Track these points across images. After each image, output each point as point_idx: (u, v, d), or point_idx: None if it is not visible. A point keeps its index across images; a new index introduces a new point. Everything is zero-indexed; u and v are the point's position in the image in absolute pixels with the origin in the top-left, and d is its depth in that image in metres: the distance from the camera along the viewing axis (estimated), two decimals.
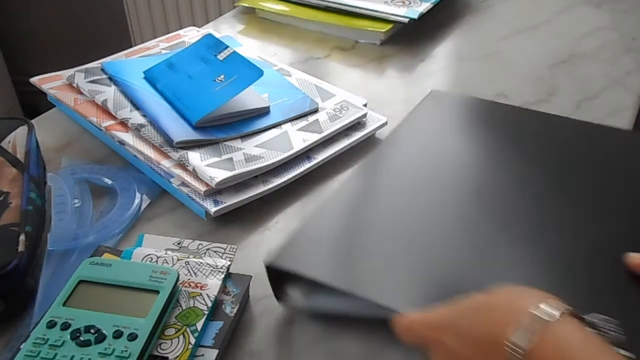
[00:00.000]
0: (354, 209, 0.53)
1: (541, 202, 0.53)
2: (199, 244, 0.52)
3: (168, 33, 0.85)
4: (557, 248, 0.49)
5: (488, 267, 0.47)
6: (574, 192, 0.54)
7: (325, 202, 0.55)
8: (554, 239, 0.49)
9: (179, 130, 0.61)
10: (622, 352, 0.33)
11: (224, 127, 0.64)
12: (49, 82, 0.71)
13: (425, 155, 0.60)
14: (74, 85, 0.69)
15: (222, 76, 0.67)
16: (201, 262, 0.49)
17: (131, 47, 0.80)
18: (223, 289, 0.48)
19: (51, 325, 0.42)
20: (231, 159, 0.59)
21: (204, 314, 0.45)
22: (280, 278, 0.48)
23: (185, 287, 0.47)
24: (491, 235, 0.50)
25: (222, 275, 0.48)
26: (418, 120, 0.66)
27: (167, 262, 0.49)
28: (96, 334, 0.41)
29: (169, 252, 0.50)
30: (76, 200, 0.58)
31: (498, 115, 0.67)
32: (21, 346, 0.41)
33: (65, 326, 0.42)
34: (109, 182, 0.61)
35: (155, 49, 0.79)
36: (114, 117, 0.65)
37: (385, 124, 0.68)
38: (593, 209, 0.52)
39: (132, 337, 0.41)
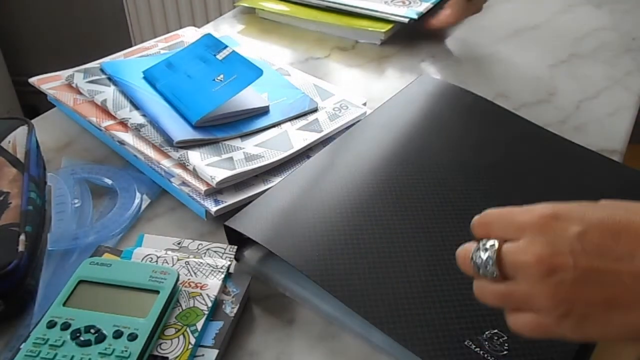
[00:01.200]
0: (312, 184, 0.55)
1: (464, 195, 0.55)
2: (199, 244, 0.52)
3: (168, 33, 0.85)
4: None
5: (414, 256, 0.49)
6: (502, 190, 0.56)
7: (291, 174, 0.57)
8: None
9: (179, 130, 0.61)
10: None
11: (224, 126, 0.64)
12: (48, 82, 0.71)
13: (389, 138, 0.61)
14: (73, 85, 0.69)
15: (222, 76, 0.67)
16: (201, 262, 0.49)
17: (131, 47, 0.80)
18: (223, 289, 0.48)
19: (51, 325, 0.42)
20: (231, 158, 0.59)
21: (204, 314, 0.45)
22: (238, 240, 0.51)
23: (185, 287, 0.47)
24: (422, 226, 0.52)
25: (222, 275, 0.48)
26: (396, 104, 0.67)
27: (167, 262, 0.49)
28: (96, 334, 0.41)
29: (169, 252, 0.50)
30: (76, 200, 0.58)
31: (471, 107, 0.67)
32: (21, 346, 0.41)
33: (65, 326, 0.42)
34: (109, 182, 0.61)
35: (154, 49, 0.79)
36: (113, 117, 0.65)
37: None
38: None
39: (132, 337, 0.41)
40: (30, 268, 0.48)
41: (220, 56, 0.70)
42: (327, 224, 0.50)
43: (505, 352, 0.42)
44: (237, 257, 0.52)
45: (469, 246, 0.37)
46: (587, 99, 0.76)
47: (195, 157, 0.58)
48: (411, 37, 0.91)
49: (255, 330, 0.47)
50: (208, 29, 0.93)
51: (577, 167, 0.60)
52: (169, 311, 0.45)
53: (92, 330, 0.41)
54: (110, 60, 0.75)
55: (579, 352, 0.43)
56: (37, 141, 0.60)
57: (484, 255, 0.35)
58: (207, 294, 0.46)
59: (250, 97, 0.67)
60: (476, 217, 0.37)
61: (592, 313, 0.31)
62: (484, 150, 0.60)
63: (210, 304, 0.46)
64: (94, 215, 0.57)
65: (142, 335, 0.41)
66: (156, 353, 0.42)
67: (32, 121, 0.62)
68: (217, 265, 0.49)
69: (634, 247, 0.30)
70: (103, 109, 0.66)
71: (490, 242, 0.35)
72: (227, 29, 0.95)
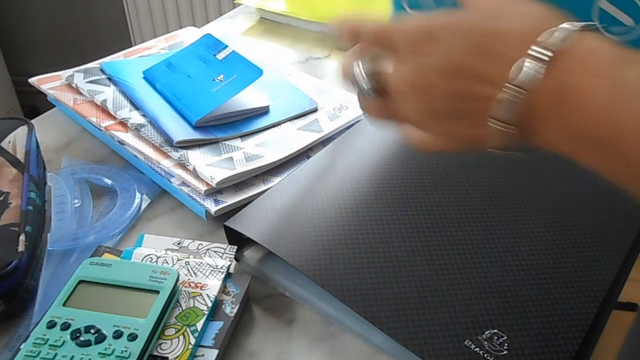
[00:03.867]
0: (312, 184, 0.55)
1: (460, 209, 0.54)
2: (199, 244, 0.52)
3: (168, 33, 0.85)
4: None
5: (406, 261, 0.48)
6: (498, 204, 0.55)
7: (291, 174, 0.57)
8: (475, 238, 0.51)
9: (179, 130, 0.61)
10: None
11: (224, 126, 0.64)
12: (48, 83, 0.71)
13: (389, 138, 0.61)
14: (73, 85, 0.69)
15: (222, 76, 0.67)
16: (201, 262, 0.49)
17: (131, 47, 0.80)
18: (223, 289, 0.48)
19: (51, 325, 0.42)
20: (231, 158, 0.59)
21: (204, 314, 0.45)
22: (238, 240, 0.51)
23: (185, 287, 0.47)
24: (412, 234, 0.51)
25: (222, 275, 0.48)
26: None
27: (167, 262, 0.49)
28: (96, 334, 0.41)
29: (169, 252, 0.50)
30: (76, 200, 0.58)
31: None
32: (21, 346, 0.41)
33: (65, 326, 0.42)
34: (109, 182, 0.61)
35: (154, 49, 0.79)
36: (113, 117, 0.65)
37: None
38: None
39: (132, 337, 0.41)
40: (30, 268, 0.48)
41: (220, 56, 0.70)
42: (327, 224, 0.51)
43: (505, 352, 0.42)
44: (237, 257, 0.52)
45: (348, 60, 0.41)
46: None
47: (195, 157, 0.58)
48: None
49: (255, 330, 0.47)
50: (208, 29, 0.93)
51: (577, 167, 0.60)
52: (169, 311, 0.45)
53: (92, 331, 0.41)
54: (110, 60, 0.75)
55: (579, 352, 0.43)
56: (37, 141, 0.60)
57: (360, 71, 0.39)
58: (207, 294, 0.46)
59: (250, 97, 0.67)
60: (349, 24, 0.41)
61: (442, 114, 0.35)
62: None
63: (210, 304, 0.46)
64: (94, 215, 0.57)
65: (142, 336, 0.41)
66: (156, 353, 0.42)
67: (32, 121, 0.62)
68: (217, 265, 0.49)
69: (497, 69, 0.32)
70: (103, 109, 0.66)
71: (366, 61, 0.39)
72: (227, 29, 0.95)
